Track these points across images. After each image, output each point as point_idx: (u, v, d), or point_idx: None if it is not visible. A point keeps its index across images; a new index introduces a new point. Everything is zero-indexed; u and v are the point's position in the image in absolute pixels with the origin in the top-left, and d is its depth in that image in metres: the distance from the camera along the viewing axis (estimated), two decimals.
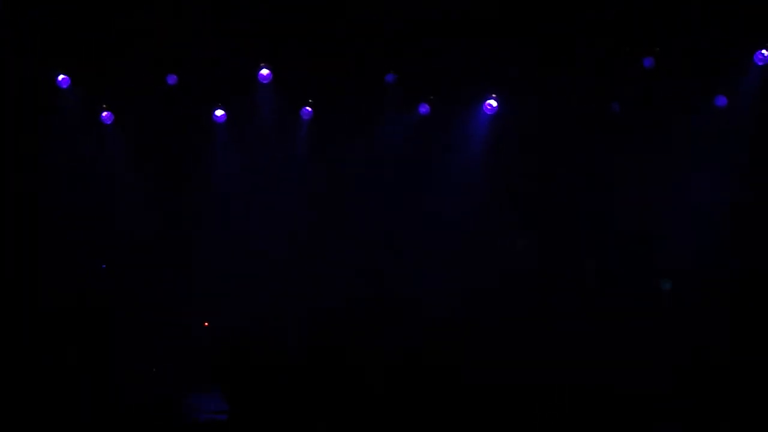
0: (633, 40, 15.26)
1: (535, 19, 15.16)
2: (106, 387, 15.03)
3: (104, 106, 16.13)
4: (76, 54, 15.64)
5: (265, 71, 15.87)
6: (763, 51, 15.08)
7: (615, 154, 15.92)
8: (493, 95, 15.91)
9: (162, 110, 16.07)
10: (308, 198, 16.52)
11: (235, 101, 16.15)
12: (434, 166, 16.31)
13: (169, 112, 16.09)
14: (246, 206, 16.51)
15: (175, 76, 15.94)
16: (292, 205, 16.52)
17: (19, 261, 15.69)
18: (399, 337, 15.57)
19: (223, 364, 15.41)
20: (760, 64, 15.15)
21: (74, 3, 15.24)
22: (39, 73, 15.68)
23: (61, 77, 15.80)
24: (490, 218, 16.21)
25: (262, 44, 15.70)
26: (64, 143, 16.08)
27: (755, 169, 15.56)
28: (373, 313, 15.91)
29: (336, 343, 15.66)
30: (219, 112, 16.20)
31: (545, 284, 15.90)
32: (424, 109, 16.23)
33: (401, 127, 16.26)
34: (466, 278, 15.98)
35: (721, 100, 15.59)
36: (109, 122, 16.19)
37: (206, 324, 16.19)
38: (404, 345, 15.50)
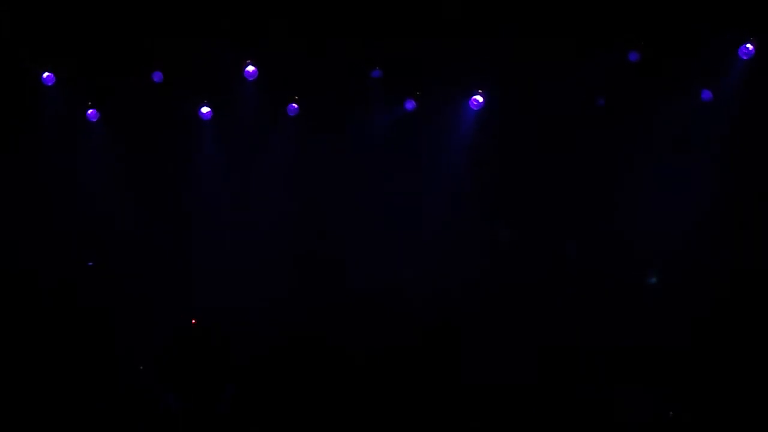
0: (618, 34, 15.28)
1: (519, 14, 15.18)
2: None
3: (89, 103, 16.10)
4: (61, 51, 15.59)
5: (251, 68, 15.87)
6: (747, 45, 15.15)
7: (600, 147, 15.92)
8: (479, 91, 15.95)
9: (148, 107, 16.01)
10: (294, 194, 16.51)
11: (221, 98, 16.12)
12: (421, 160, 16.32)
13: (154, 109, 16.03)
14: (232, 203, 16.51)
15: (160, 74, 15.92)
16: (278, 202, 16.50)
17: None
18: (386, 327, 15.65)
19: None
20: (744, 58, 15.21)
21: (58, 1, 15.21)
22: (24, 70, 15.64)
23: (46, 75, 15.76)
24: (475, 211, 16.22)
25: (248, 41, 15.69)
26: (49, 140, 16.05)
27: (740, 162, 15.61)
28: (359, 305, 15.94)
29: (322, 335, 15.71)
30: (205, 109, 16.19)
31: (530, 277, 15.93)
32: (410, 104, 16.27)
33: (388, 123, 16.28)
34: (451, 270, 16.00)
35: (707, 95, 15.64)
36: (94, 119, 16.17)
37: (194, 322, 16.15)
38: (391, 336, 15.58)
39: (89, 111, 16.10)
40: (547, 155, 15.94)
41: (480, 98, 16.00)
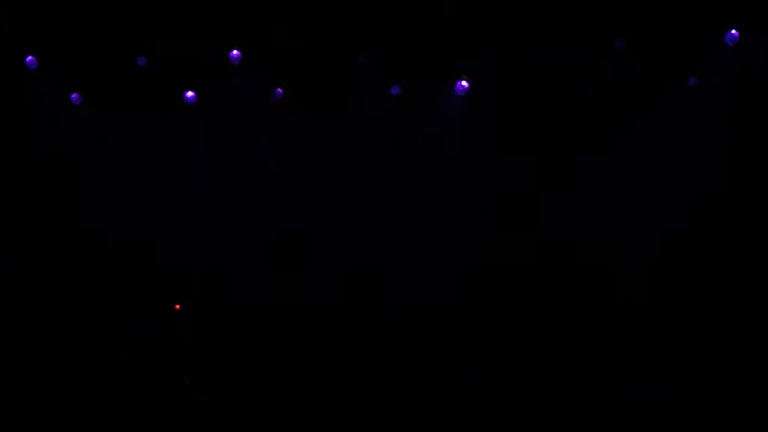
0: (618, 34, 15.27)
1: (519, 14, 15.18)
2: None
3: (73, 87, 16.03)
4: (44, 34, 15.52)
5: (235, 51, 15.81)
6: (733, 31, 15.15)
7: (599, 147, 15.92)
8: (465, 75, 15.95)
9: (132, 91, 15.94)
10: (280, 181, 16.49)
11: (206, 82, 16.06)
12: (420, 160, 16.30)
13: (139, 94, 15.96)
14: (219, 189, 16.47)
15: (144, 58, 15.87)
16: (262, 188, 16.49)
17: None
18: (384, 325, 15.69)
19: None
20: (730, 44, 15.22)
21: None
22: (6, 54, 15.58)
23: (29, 58, 15.68)
24: (475, 211, 16.21)
25: (232, 24, 15.65)
26: (33, 125, 16.00)
27: (727, 150, 15.63)
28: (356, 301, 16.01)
29: (328, 327, 15.73)
30: (189, 93, 16.15)
31: (529, 275, 15.97)
32: (395, 89, 16.24)
33: (373, 108, 16.26)
34: (450, 264, 16.04)
35: (692, 81, 15.65)
36: (78, 104, 16.10)
37: (177, 307, 16.19)
38: (390, 335, 15.62)
39: (73, 95, 16.07)
40: (547, 155, 15.91)
41: (465, 83, 16.01)
